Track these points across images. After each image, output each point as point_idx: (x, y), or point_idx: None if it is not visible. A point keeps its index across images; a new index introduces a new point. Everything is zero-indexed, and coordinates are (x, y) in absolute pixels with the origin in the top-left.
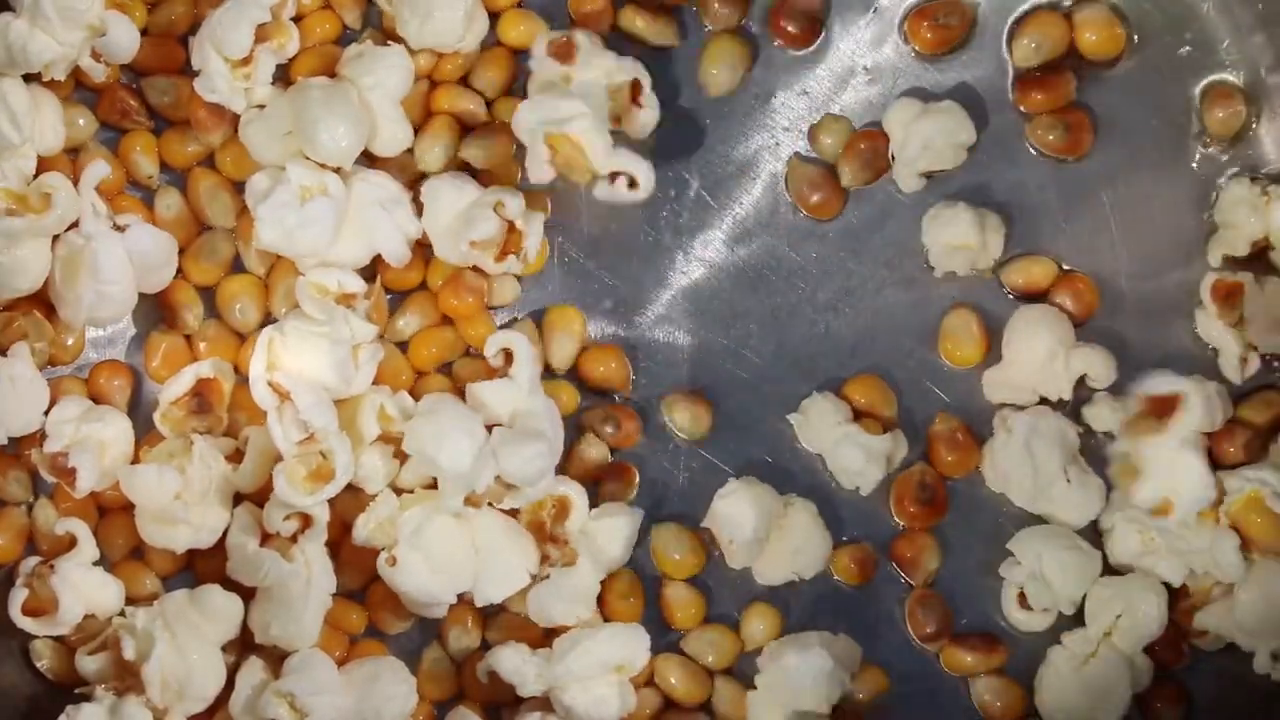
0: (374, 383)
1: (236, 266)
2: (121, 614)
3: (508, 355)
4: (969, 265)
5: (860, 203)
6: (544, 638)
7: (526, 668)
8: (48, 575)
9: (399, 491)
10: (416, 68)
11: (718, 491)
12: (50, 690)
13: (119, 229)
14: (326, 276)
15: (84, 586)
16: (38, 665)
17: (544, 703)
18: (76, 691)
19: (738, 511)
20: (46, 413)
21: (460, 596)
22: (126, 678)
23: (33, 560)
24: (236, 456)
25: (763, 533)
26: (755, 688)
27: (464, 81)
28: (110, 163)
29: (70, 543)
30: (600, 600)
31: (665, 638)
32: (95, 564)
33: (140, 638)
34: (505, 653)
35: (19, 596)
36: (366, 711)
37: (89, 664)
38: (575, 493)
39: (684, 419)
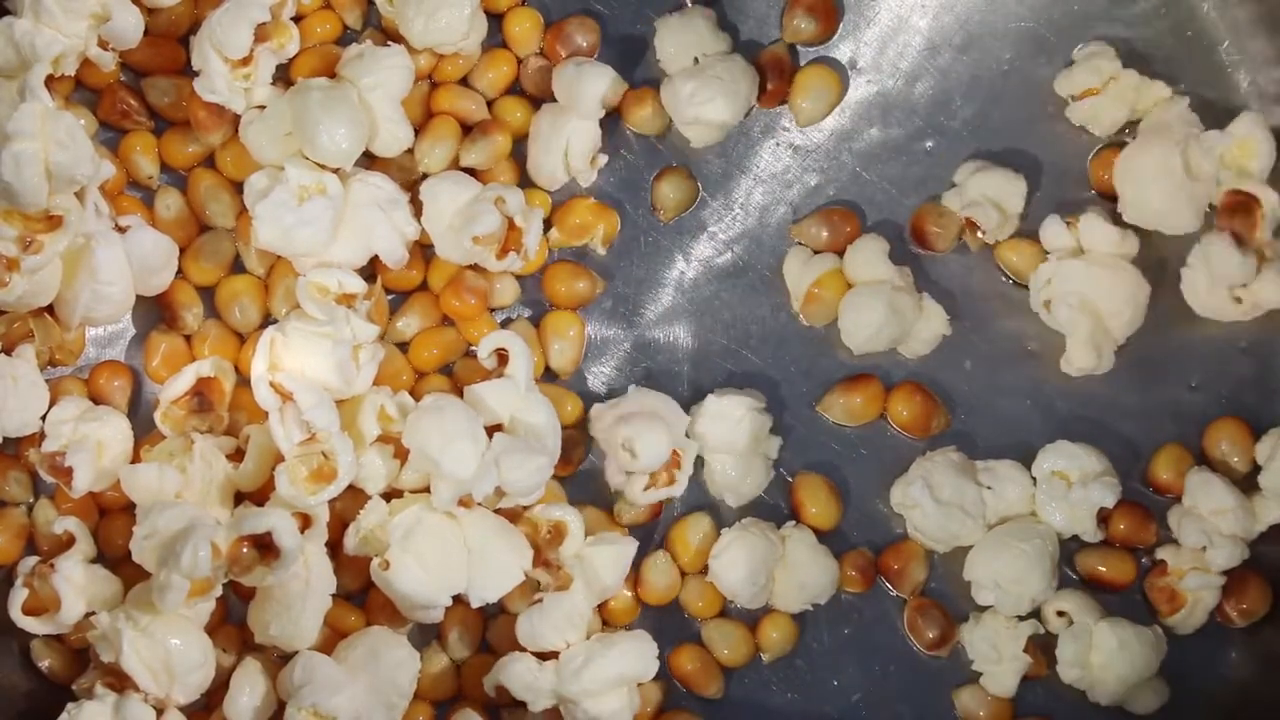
0: (375, 383)
1: (236, 266)
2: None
3: (501, 356)
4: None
5: (862, 203)
6: None
7: (539, 683)
8: (49, 574)
9: (389, 497)
10: (417, 68)
11: (711, 550)
12: (50, 689)
13: (120, 230)
14: (327, 277)
15: (85, 584)
16: (39, 665)
17: (554, 711)
18: (76, 687)
19: (732, 570)
20: (45, 414)
21: (456, 598)
22: (118, 680)
23: (32, 560)
24: (237, 455)
25: (762, 578)
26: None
27: (464, 82)
28: (111, 163)
29: (69, 541)
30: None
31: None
32: (94, 562)
33: (110, 636)
34: (515, 668)
35: (19, 596)
36: (382, 686)
37: (84, 682)
38: (572, 518)
39: None
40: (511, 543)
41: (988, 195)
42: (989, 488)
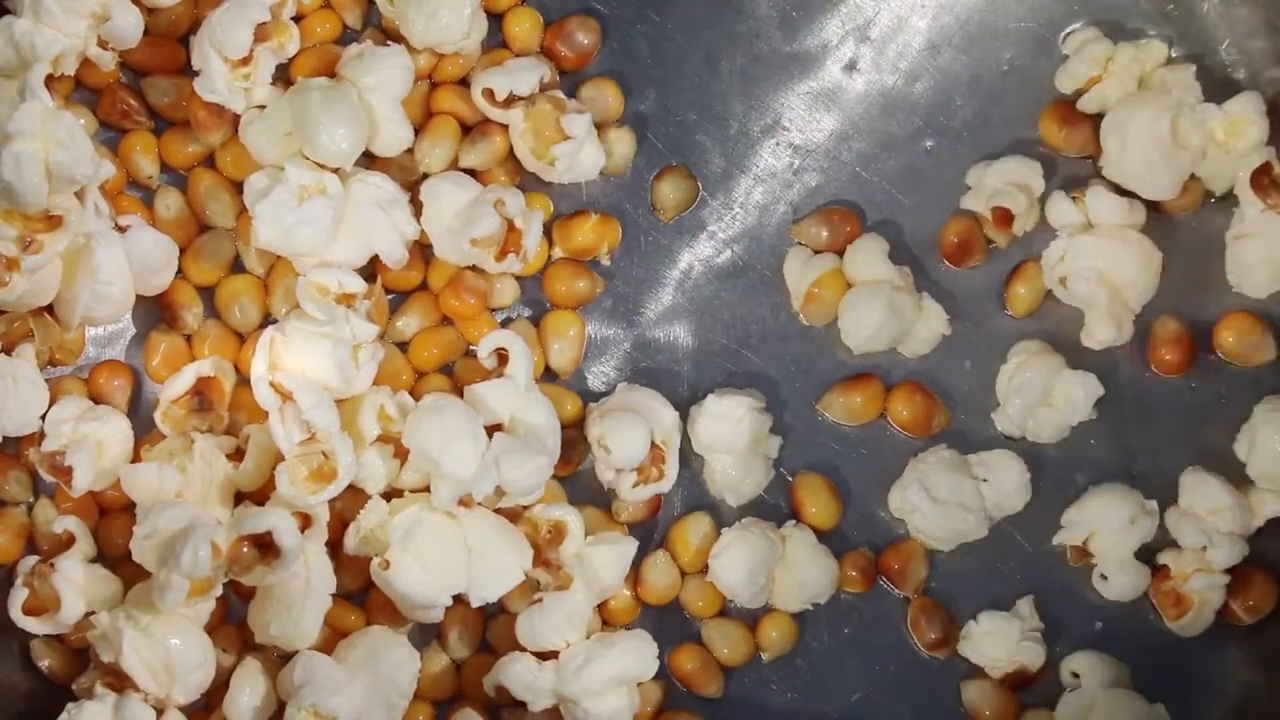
0: (374, 383)
1: (236, 266)
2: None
3: (501, 355)
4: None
5: (862, 204)
6: None
7: (538, 683)
8: (49, 574)
9: (389, 497)
10: (417, 68)
11: (712, 549)
12: (50, 689)
13: (120, 230)
14: (327, 276)
15: (85, 584)
16: (39, 665)
17: (554, 711)
18: (76, 687)
19: (732, 570)
20: (45, 413)
21: (456, 598)
22: (118, 680)
23: (32, 559)
24: (237, 455)
25: (762, 577)
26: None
27: (464, 82)
28: (111, 163)
29: (69, 541)
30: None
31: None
32: (94, 562)
33: (110, 636)
34: (515, 668)
35: (19, 596)
36: (382, 687)
37: (84, 682)
38: (572, 518)
39: None
40: (511, 542)
41: (1009, 181)
42: (985, 480)
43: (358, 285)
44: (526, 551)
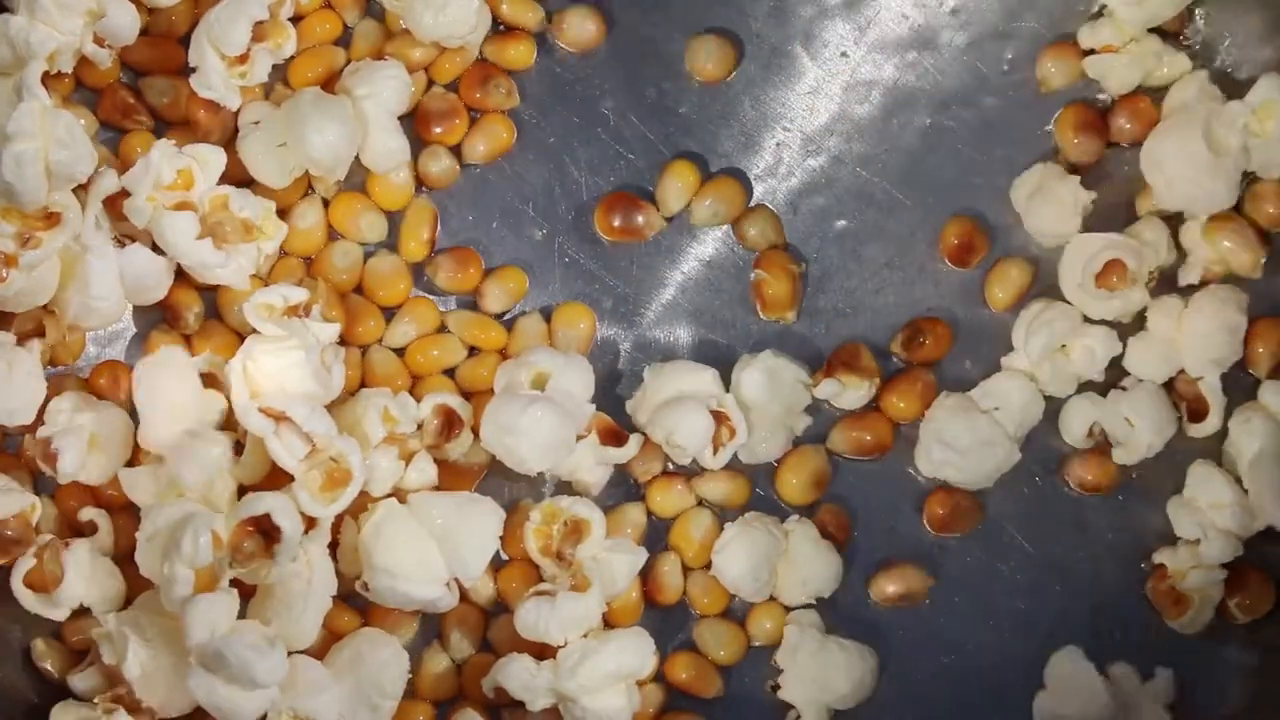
0: (373, 385)
1: None
2: (97, 625)
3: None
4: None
5: (862, 204)
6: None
7: (536, 682)
8: (60, 550)
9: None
10: (417, 60)
11: (715, 544)
12: (50, 689)
13: (120, 242)
14: (270, 295)
15: (90, 572)
16: (40, 665)
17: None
18: (70, 680)
19: (735, 564)
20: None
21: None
22: (116, 684)
23: (48, 536)
24: (236, 449)
25: (765, 573)
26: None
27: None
28: (114, 168)
29: (91, 529)
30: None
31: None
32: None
33: (116, 639)
34: (512, 668)
35: (24, 565)
36: (366, 687)
37: (81, 681)
38: (595, 519)
39: None
40: (476, 514)
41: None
42: (996, 409)
43: (300, 295)
44: (495, 516)
